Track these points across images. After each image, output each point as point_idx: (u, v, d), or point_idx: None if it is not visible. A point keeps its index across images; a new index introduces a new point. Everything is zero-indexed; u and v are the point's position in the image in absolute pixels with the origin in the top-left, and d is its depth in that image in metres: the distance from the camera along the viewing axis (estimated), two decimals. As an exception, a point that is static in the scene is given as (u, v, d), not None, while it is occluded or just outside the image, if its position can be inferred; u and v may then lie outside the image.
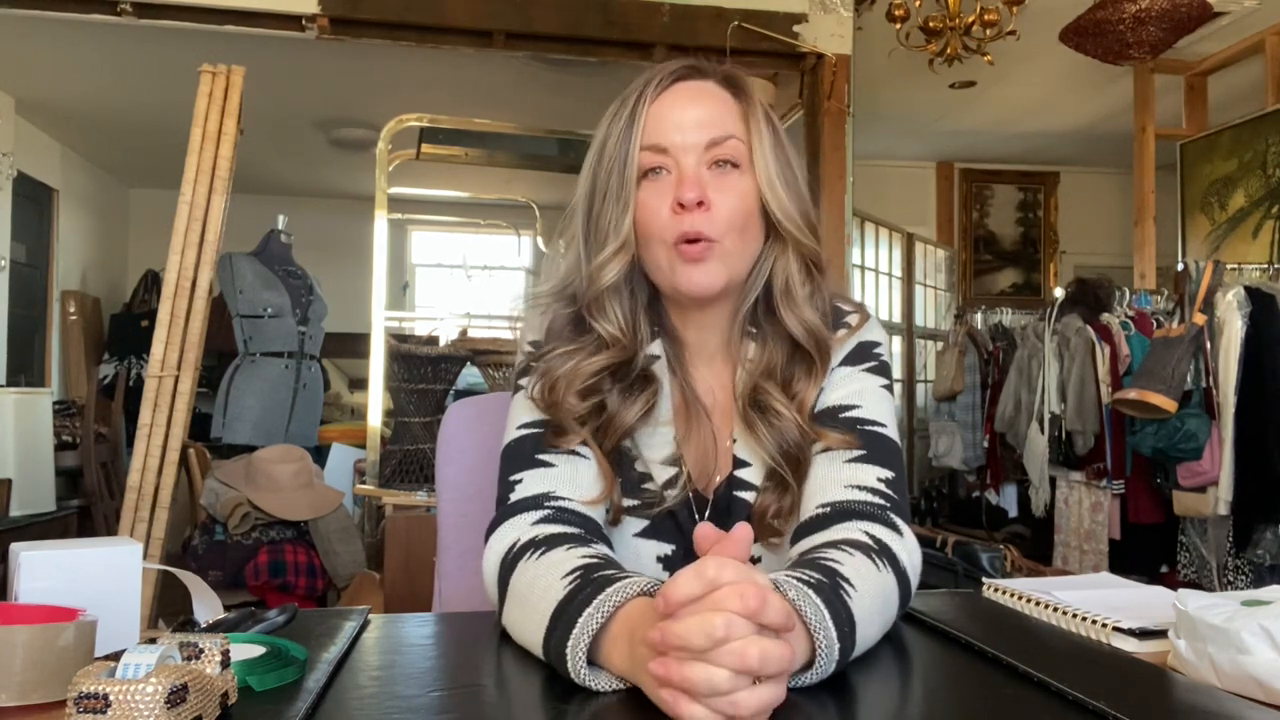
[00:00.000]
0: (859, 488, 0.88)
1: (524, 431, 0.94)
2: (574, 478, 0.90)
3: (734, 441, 0.96)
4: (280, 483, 3.38)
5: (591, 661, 0.69)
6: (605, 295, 0.94)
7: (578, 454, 0.92)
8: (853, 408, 0.94)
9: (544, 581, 0.76)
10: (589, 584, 0.73)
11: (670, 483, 0.94)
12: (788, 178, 0.95)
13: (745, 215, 0.92)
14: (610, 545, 0.90)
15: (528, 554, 0.82)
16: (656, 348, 0.97)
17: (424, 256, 7.66)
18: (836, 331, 0.98)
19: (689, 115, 0.92)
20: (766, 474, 0.93)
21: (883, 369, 0.98)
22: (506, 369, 3.12)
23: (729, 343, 0.99)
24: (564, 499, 0.89)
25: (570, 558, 0.78)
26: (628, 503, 0.94)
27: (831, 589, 0.73)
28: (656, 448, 0.95)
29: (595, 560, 0.78)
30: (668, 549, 0.94)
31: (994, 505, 4.69)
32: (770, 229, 0.96)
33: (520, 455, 0.93)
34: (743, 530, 0.66)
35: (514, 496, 0.90)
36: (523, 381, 0.97)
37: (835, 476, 0.89)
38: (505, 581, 0.82)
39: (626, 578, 0.73)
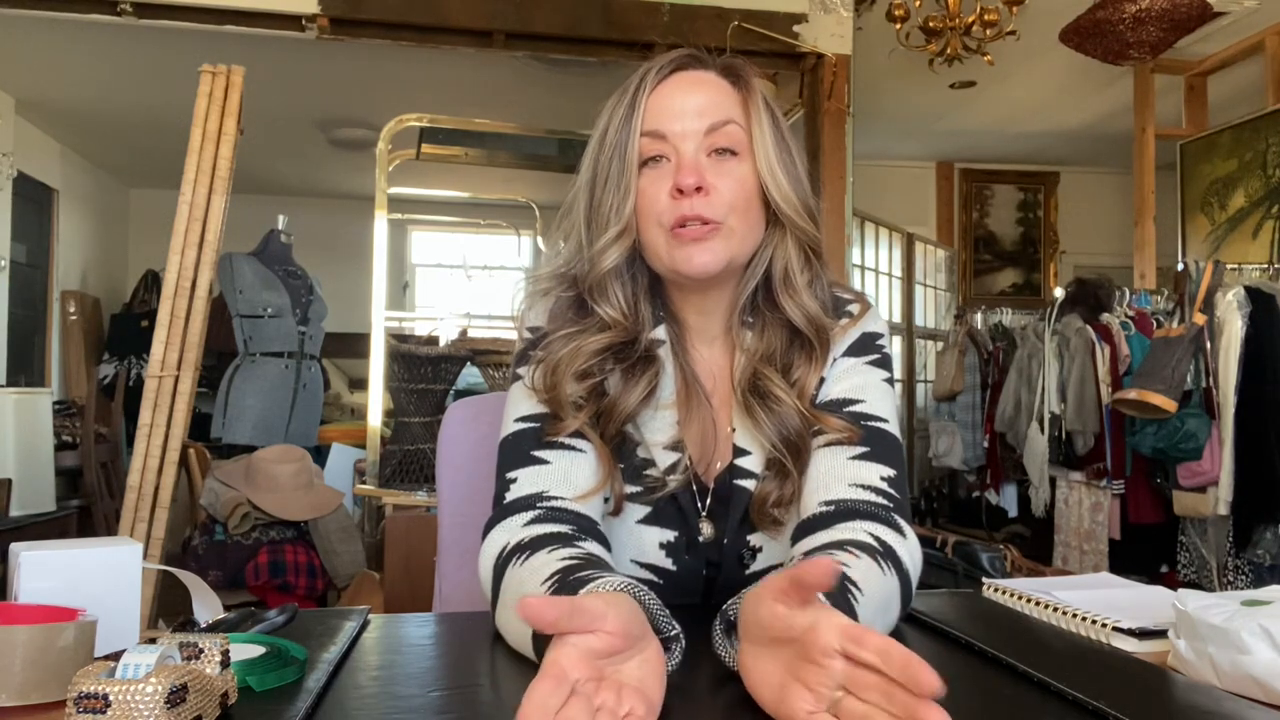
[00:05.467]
0: (862, 486, 0.88)
1: (521, 426, 0.94)
2: (569, 474, 0.90)
3: (733, 430, 0.96)
4: (280, 483, 3.38)
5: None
6: (606, 278, 0.94)
7: (575, 448, 0.92)
8: (856, 402, 0.94)
9: (527, 587, 0.77)
10: (565, 587, 0.72)
11: (672, 468, 0.94)
12: (787, 164, 0.95)
13: (745, 199, 0.92)
14: (604, 541, 0.89)
15: (515, 558, 0.82)
16: (661, 332, 0.97)
17: (424, 256, 7.66)
18: (838, 320, 0.98)
19: (688, 103, 0.93)
20: (767, 462, 0.93)
21: (885, 362, 0.98)
22: (506, 369, 3.12)
23: (729, 329, 0.99)
24: (557, 498, 0.88)
25: (550, 561, 0.78)
26: (630, 489, 0.94)
27: (840, 594, 0.73)
28: (658, 431, 0.95)
29: (575, 561, 0.77)
30: (670, 535, 0.95)
31: (994, 505, 4.69)
32: (770, 216, 0.96)
33: (516, 451, 0.92)
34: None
35: (509, 496, 0.90)
36: (521, 370, 0.97)
37: (839, 473, 0.89)
38: (497, 586, 0.83)
39: (601, 578, 0.72)
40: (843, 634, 0.58)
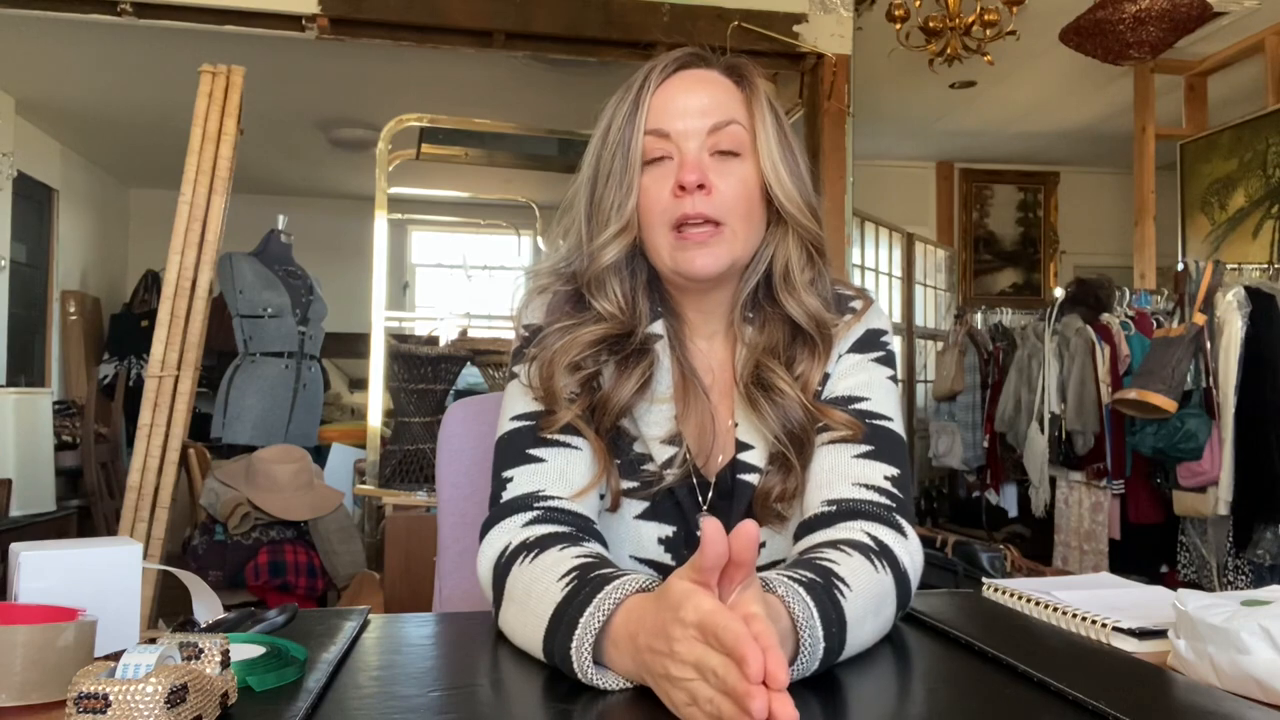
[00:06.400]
0: (866, 486, 0.88)
1: (517, 424, 0.94)
2: (565, 473, 0.90)
3: (735, 425, 0.96)
4: (280, 483, 3.37)
5: (596, 661, 0.69)
6: (605, 274, 0.94)
7: (570, 445, 0.91)
8: (861, 400, 0.94)
9: (541, 585, 0.76)
10: (586, 584, 0.73)
11: (669, 462, 0.94)
12: (790, 163, 0.95)
13: (747, 199, 0.93)
14: (603, 541, 0.89)
15: (521, 557, 0.82)
16: (658, 327, 0.97)
17: (424, 256, 7.66)
18: (842, 317, 0.98)
19: (691, 102, 0.93)
20: (770, 456, 0.93)
21: (889, 359, 0.98)
22: (506, 369, 3.12)
23: (730, 325, 0.99)
24: (554, 497, 0.89)
25: (564, 558, 0.78)
26: (627, 484, 0.94)
27: (824, 589, 0.73)
28: (655, 425, 0.95)
29: (590, 559, 0.78)
30: (669, 530, 0.94)
31: (994, 505, 4.69)
32: (772, 215, 0.96)
33: (512, 450, 0.92)
34: (748, 527, 0.63)
35: (505, 495, 0.90)
36: (517, 368, 0.97)
37: (843, 471, 0.89)
38: (500, 586, 0.82)
39: (623, 575, 0.73)
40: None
